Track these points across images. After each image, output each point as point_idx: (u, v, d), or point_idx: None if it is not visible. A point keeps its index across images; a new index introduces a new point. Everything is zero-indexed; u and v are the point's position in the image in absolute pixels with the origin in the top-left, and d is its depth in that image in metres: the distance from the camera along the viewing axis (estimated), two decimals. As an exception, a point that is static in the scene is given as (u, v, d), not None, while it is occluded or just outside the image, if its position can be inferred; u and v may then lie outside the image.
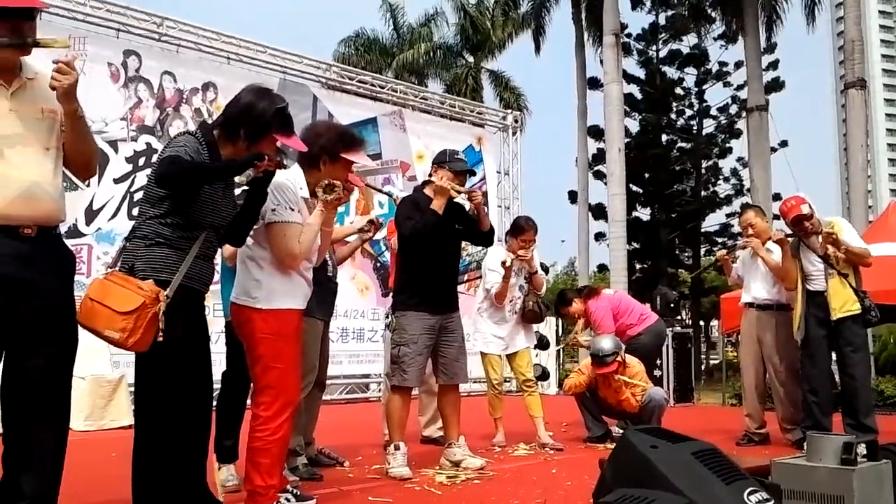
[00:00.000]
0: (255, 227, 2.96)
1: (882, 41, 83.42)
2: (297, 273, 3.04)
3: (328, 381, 4.68)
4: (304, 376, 3.69)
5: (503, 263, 5.09)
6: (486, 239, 4.47)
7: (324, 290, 4.03)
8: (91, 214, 7.66)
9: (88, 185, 7.74)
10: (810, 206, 4.96)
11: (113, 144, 7.86)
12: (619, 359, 5.15)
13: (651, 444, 1.46)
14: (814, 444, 1.93)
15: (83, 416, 6.14)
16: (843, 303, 4.84)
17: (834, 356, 5.07)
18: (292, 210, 2.98)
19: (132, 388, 3.32)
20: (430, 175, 4.38)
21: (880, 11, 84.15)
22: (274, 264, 2.98)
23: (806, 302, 4.97)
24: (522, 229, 5.26)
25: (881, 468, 1.88)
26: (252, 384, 3.05)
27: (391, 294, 4.55)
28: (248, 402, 3.22)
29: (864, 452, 1.89)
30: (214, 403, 3.80)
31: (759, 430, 5.33)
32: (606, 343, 5.20)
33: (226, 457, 3.74)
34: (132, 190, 7.82)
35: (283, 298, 2.97)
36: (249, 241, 2.99)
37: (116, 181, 7.85)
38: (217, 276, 3.91)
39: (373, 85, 10.74)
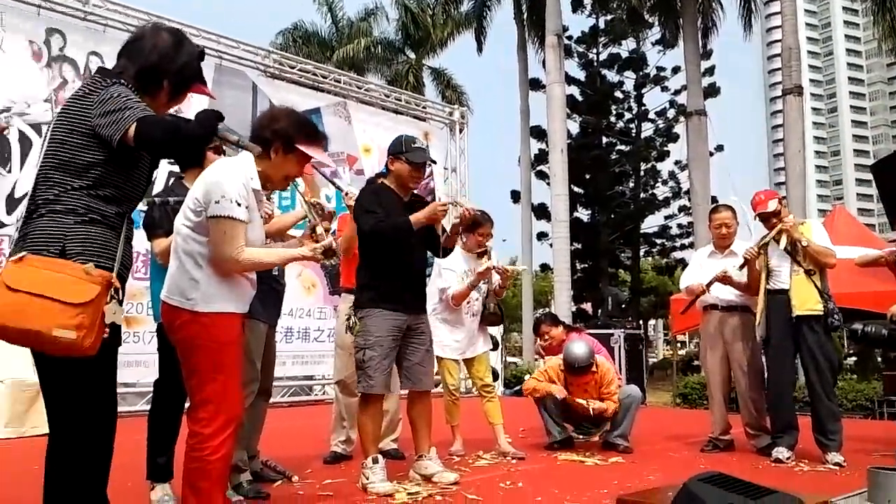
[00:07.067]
0: (195, 218, 2.56)
1: (809, 52, 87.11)
2: (240, 273, 2.62)
3: (272, 385, 4.27)
4: (246, 385, 3.30)
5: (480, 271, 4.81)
6: (444, 252, 4.16)
7: (268, 291, 3.65)
8: (13, 203, 7.03)
9: (10, 171, 7.11)
10: (779, 202, 4.83)
11: (36, 128, 7.26)
12: (594, 367, 4.95)
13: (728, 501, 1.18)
14: (877, 480, 1.70)
15: (3, 422, 5.80)
16: (805, 301, 4.70)
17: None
18: (239, 205, 2.50)
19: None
20: (387, 166, 4.07)
21: (807, 24, 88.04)
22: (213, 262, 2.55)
23: (768, 301, 4.85)
24: (479, 223, 4.98)
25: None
26: (188, 396, 2.61)
27: (351, 291, 4.19)
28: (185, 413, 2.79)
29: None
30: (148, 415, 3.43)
31: (723, 437, 5.17)
32: (581, 350, 4.94)
33: (160, 475, 3.33)
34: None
35: (223, 301, 2.53)
36: (186, 232, 2.53)
37: (40, 167, 7.22)
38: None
39: (314, 74, 10.28)
